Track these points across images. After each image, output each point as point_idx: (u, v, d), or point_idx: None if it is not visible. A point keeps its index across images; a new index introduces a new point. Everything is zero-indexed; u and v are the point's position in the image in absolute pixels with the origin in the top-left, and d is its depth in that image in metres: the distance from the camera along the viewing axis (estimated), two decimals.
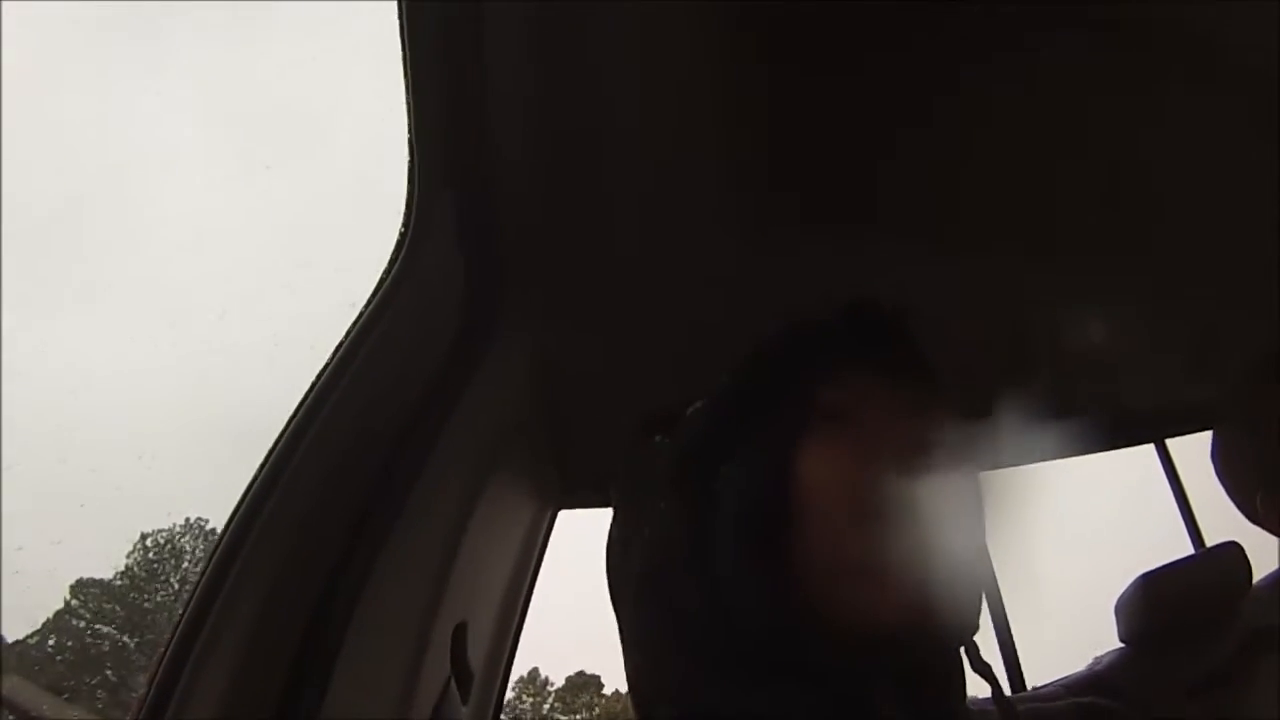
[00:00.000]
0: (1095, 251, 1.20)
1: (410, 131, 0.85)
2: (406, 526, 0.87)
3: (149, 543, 17.13)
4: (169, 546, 17.08)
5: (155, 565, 16.88)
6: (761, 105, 0.95)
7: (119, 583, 16.84)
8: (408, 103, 0.83)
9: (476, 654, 1.07)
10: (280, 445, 0.75)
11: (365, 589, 0.82)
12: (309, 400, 0.79)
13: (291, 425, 0.77)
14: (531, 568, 1.27)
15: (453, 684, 0.98)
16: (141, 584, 16.70)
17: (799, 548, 0.53)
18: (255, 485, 0.74)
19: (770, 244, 1.10)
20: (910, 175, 1.06)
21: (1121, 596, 1.37)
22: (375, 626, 0.83)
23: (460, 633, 0.99)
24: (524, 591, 1.26)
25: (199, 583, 0.71)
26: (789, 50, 0.90)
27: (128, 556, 17.21)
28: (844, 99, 0.96)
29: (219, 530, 0.75)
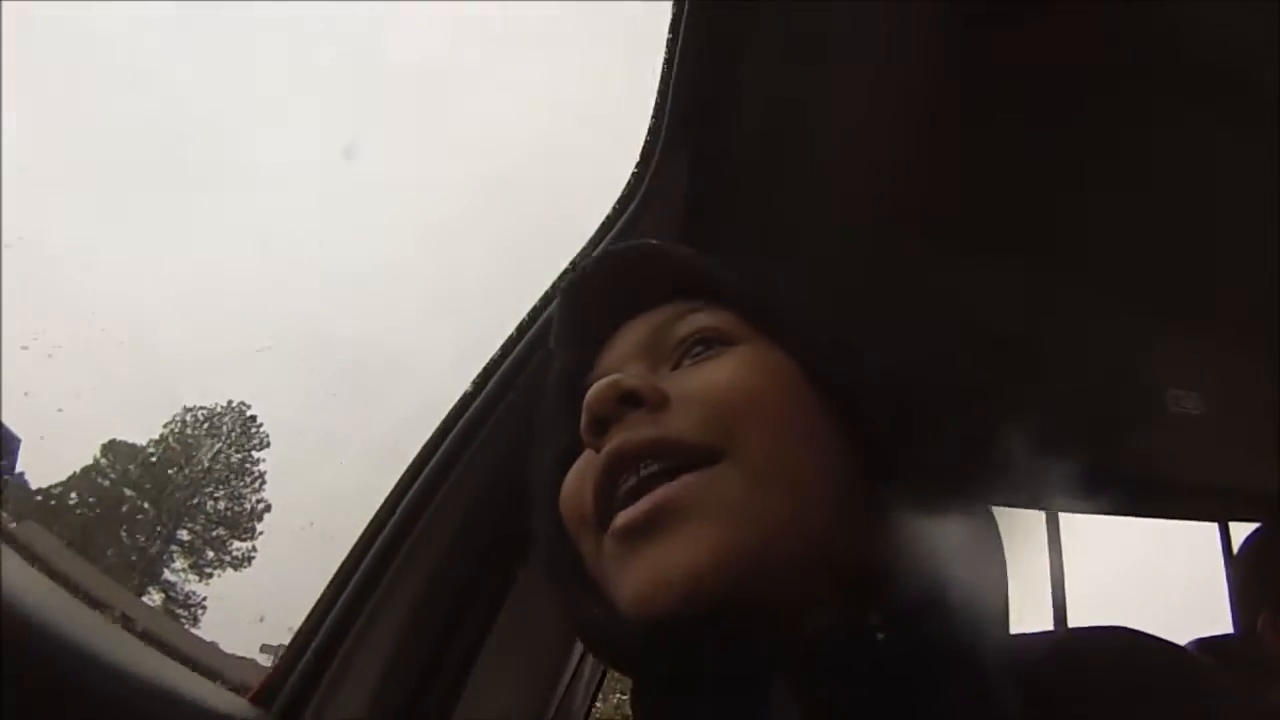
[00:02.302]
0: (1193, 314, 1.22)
1: (666, 85, 0.86)
2: None
3: (189, 417, 17.58)
4: (207, 425, 17.50)
5: (191, 440, 17.35)
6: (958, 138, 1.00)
7: (150, 449, 17.35)
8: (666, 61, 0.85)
9: None
10: (493, 383, 0.74)
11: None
12: (519, 347, 0.74)
13: (499, 370, 0.74)
14: None
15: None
16: (174, 456, 17.20)
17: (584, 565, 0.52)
18: (459, 425, 0.71)
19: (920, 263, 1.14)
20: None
21: None
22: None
23: None
24: None
25: (402, 496, 0.70)
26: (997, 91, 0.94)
27: (165, 426, 17.68)
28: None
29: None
